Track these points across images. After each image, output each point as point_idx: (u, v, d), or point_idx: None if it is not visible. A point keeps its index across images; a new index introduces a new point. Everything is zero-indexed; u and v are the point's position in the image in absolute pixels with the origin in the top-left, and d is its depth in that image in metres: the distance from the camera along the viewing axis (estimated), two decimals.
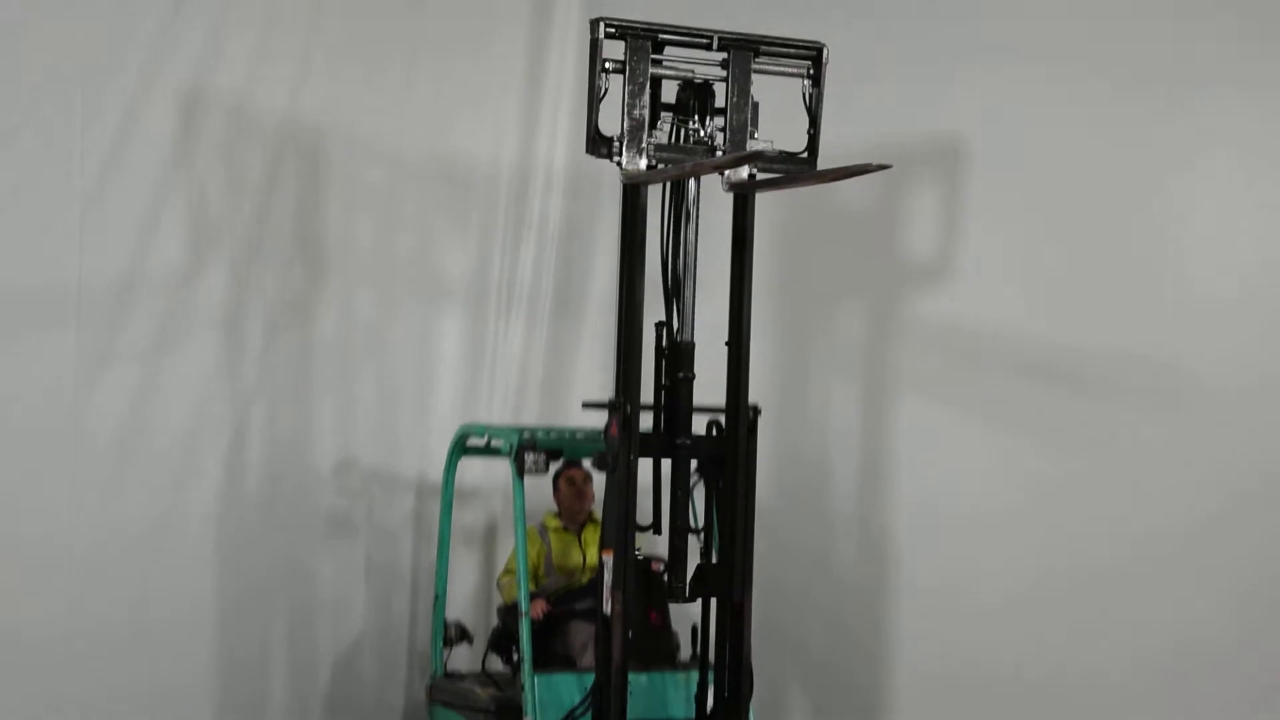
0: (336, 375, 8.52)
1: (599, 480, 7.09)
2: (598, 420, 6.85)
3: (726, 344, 6.85)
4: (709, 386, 6.85)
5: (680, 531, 6.83)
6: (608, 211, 7.81)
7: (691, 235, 6.82)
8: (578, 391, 8.50)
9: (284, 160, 8.26)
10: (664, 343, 6.84)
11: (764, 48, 6.75)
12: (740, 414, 6.84)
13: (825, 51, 6.77)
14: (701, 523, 7.02)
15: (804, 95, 6.80)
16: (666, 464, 6.91)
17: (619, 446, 6.64)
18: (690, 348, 6.82)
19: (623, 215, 6.68)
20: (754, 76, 6.73)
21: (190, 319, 8.00)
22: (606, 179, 7.38)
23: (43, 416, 7.62)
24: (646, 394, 6.79)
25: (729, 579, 6.81)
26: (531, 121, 8.83)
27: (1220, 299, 7.35)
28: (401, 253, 8.69)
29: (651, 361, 6.81)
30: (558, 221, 9.00)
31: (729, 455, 6.85)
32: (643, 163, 6.59)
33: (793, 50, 6.80)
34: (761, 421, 6.87)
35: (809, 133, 6.81)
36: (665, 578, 6.93)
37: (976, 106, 7.72)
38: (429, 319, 8.84)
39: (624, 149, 6.59)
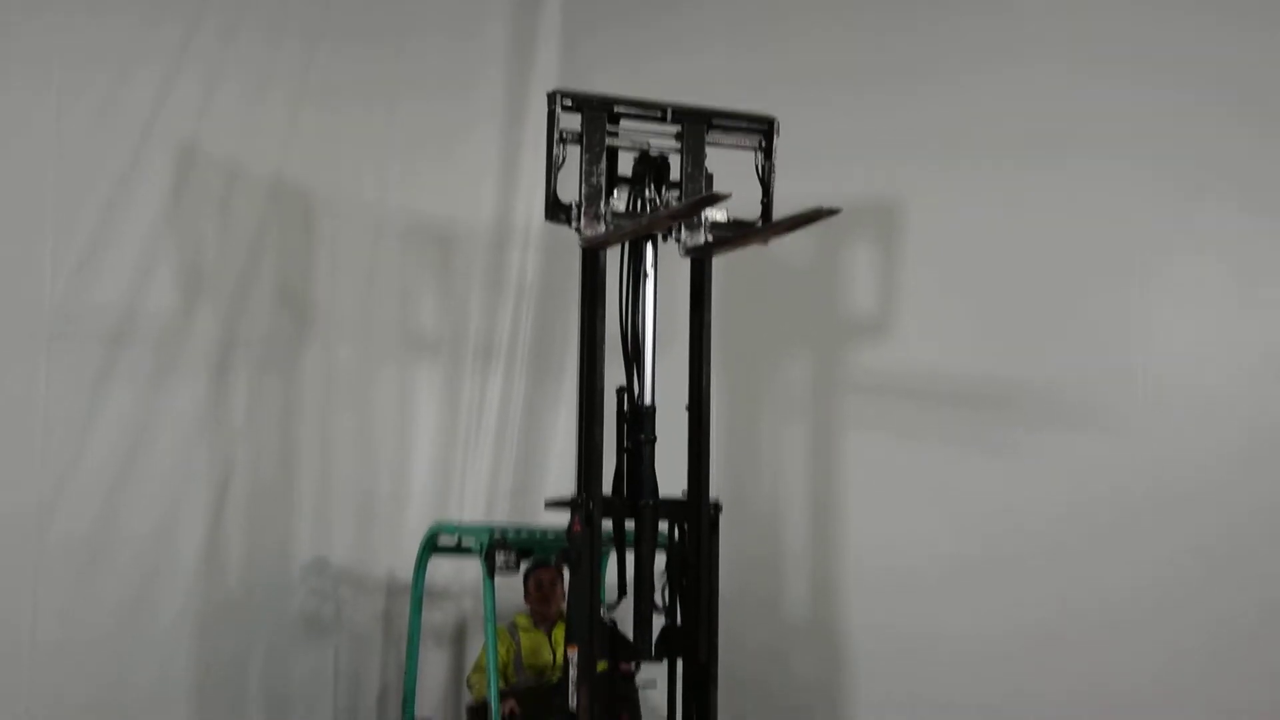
0: (311, 470, 8.61)
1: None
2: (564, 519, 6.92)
3: (687, 408, 7.02)
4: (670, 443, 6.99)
5: (645, 594, 6.88)
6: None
7: (649, 300, 6.98)
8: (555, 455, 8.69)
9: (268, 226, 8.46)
10: (625, 407, 6.97)
11: (716, 120, 7.01)
12: (702, 477, 6.95)
13: (775, 124, 7.04)
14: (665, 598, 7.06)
15: (757, 166, 7.06)
16: None
17: (582, 543, 6.75)
18: (651, 411, 6.95)
19: (582, 280, 6.85)
20: (708, 149, 6.96)
21: (164, 409, 8.08)
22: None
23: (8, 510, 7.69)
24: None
25: (694, 640, 6.87)
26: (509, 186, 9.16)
27: (1159, 328, 7.52)
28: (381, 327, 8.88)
29: (613, 425, 6.92)
30: (533, 285, 9.21)
31: (691, 519, 6.96)
32: (601, 229, 6.79)
33: (744, 124, 7.06)
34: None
35: (763, 201, 7.04)
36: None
37: (910, 172, 8.02)
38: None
39: (582, 215, 6.80)
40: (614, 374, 6.90)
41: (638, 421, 6.94)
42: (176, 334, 8.11)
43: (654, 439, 6.94)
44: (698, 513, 6.96)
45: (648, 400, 6.97)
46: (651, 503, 6.92)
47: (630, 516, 6.94)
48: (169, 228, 8.11)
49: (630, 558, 6.95)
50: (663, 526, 7.00)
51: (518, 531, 7.69)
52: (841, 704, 8.07)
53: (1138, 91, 7.47)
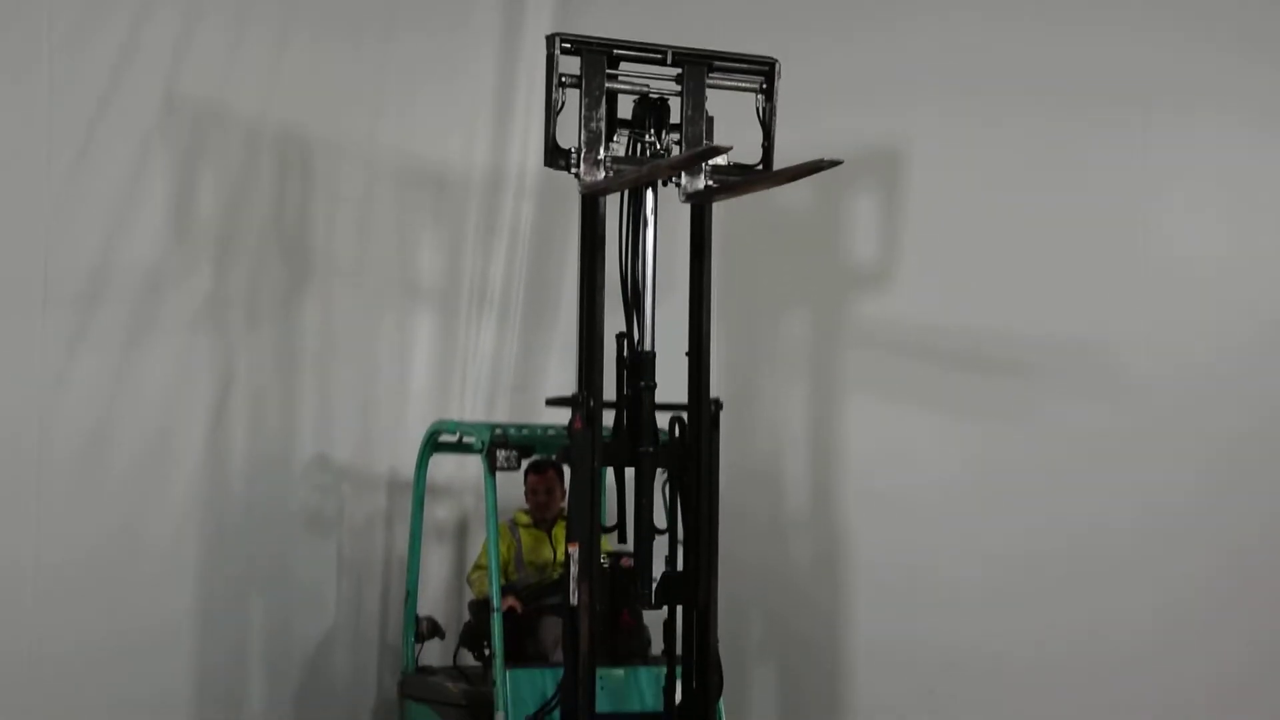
0: (311, 374, 8.59)
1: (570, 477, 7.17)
2: (566, 417, 6.91)
3: (687, 354, 6.96)
4: (670, 392, 6.95)
5: (645, 538, 6.90)
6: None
7: (649, 246, 6.87)
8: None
9: (260, 164, 8.35)
10: (625, 353, 6.91)
11: (717, 62, 6.85)
12: (702, 422, 6.92)
13: (777, 66, 6.88)
14: (665, 527, 7.07)
15: (758, 109, 6.91)
16: None
17: (582, 440, 6.74)
18: (650, 357, 6.89)
19: (582, 226, 6.77)
20: (709, 92, 6.81)
21: (164, 318, 8.05)
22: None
23: (9, 419, 7.69)
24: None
25: (694, 586, 6.90)
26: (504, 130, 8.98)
27: (1155, 288, 7.59)
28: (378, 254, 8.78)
29: (613, 371, 6.87)
30: (528, 226, 9.08)
31: (691, 460, 6.93)
32: (600, 174, 6.68)
33: (746, 65, 6.90)
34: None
35: (763, 145, 6.91)
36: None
37: (914, 115, 7.92)
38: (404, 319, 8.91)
39: (581, 160, 6.68)
40: (612, 321, 6.85)
41: (637, 368, 6.89)
42: (171, 265, 8.07)
43: (654, 385, 6.89)
44: (698, 411, 6.93)
45: (648, 346, 6.90)
46: (651, 449, 6.89)
47: (630, 464, 6.92)
48: (162, 163, 8.03)
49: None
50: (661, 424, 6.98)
51: (519, 429, 7.69)
52: (841, 636, 8.22)
53: (1142, 35, 7.43)
